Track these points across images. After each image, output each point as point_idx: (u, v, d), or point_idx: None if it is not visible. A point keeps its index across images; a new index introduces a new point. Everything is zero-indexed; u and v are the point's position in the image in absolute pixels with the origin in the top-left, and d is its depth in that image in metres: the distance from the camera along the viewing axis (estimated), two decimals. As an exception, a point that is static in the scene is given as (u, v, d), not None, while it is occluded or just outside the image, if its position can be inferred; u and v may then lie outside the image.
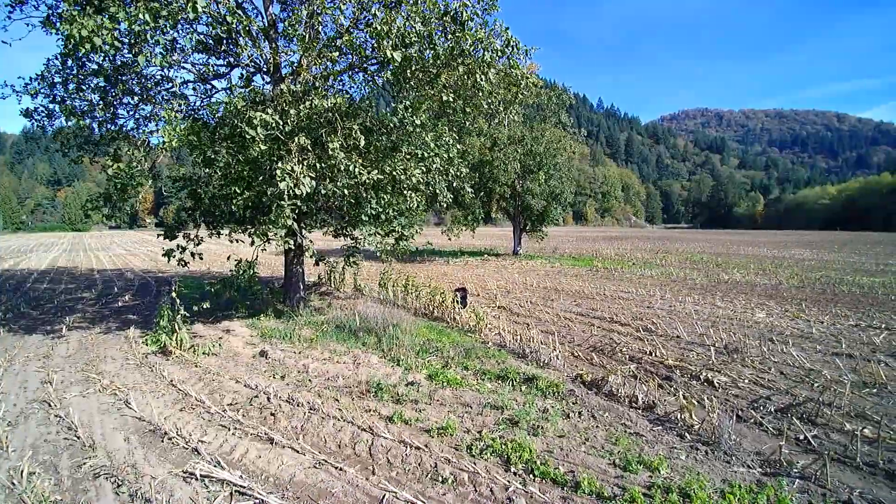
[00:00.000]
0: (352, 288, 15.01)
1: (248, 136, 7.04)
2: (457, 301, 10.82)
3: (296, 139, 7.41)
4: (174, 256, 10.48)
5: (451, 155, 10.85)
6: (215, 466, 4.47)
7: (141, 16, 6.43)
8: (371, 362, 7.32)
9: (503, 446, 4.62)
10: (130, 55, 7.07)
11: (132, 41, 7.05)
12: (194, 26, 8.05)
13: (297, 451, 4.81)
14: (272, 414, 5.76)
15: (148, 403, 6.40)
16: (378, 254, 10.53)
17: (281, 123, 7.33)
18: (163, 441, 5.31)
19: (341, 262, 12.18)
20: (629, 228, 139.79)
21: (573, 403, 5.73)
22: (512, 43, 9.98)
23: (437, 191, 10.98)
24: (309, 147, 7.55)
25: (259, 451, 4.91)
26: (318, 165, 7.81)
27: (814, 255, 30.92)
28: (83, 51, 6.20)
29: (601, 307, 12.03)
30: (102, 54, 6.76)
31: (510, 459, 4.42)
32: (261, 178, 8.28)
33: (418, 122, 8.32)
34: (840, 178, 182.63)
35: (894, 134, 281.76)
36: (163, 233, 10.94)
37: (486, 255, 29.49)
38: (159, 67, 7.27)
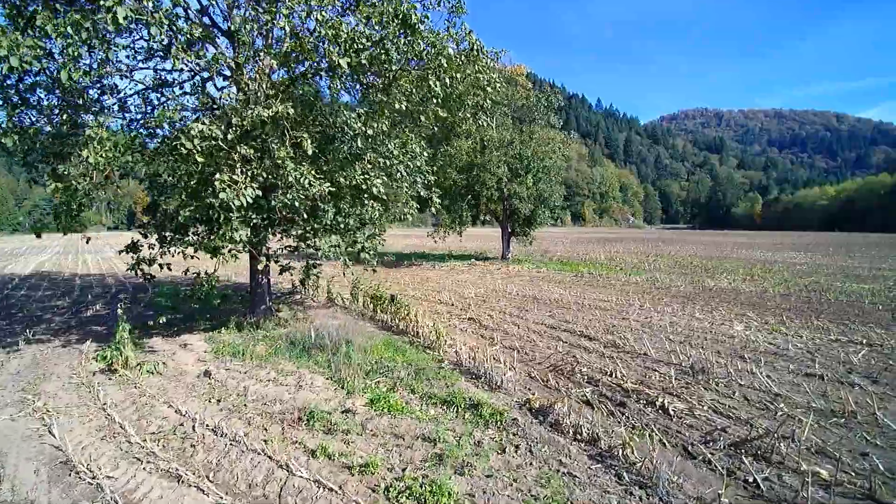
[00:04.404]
0: (325, 297, 14.63)
1: (185, 149, 6.68)
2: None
3: (238, 149, 7.03)
4: (140, 270, 10.14)
5: (417, 163, 10.48)
6: (107, 512, 4.10)
7: (63, 29, 6.11)
8: (314, 385, 6.94)
9: (422, 488, 4.24)
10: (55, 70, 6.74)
11: (66, 55, 6.73)
12: (133, 35, 7.71)
13: (203, 492, 4.44)
14: (192, 445, 5.39)
15: (72, 430, 6.05)
16: (342, 260, 10.15)
17: (221, 134, 6.95)
18: (70, 475, 4.97)
19: (311, 270, 11.74)
20: (626, 229, 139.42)
21: (513, 435, 5.34)
22: (476, 47, 9.62)
23: (403, 200, 10.62)
24: (251, 157, 7.17)
25: (164, 489, 4.54)
26: (263, 175, 7.44)
27: (807, 259, 30.53)
28: (4, 69, 5.92)
29: (575, 318, 11.65)
30: (24, 70, 6.45)
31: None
32: (209, 190, 7.91)
33: (370, 131, 7.94)
34: (839, 178, 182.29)
35: (893, 134, 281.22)
36: (124, 248, 10.55)
37: (473, 260, 29.12)
38: (89, 82, 6.94)
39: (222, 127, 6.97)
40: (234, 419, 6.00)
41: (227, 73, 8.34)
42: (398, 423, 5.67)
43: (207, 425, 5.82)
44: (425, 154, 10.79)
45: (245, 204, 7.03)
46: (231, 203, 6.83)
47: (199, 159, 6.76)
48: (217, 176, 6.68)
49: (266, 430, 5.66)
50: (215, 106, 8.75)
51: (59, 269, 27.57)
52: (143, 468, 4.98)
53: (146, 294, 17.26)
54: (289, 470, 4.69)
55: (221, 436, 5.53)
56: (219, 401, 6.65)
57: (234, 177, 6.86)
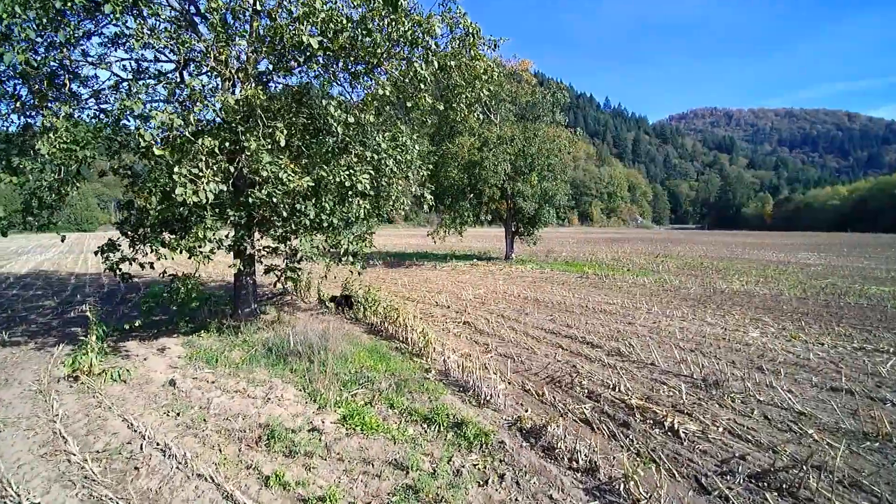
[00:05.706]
0: (316, 298, 14.02)
1: (142, 140, 6.07)
2: (343, 307, 11.65)
3: (201, 140, 6.40)
4: (119, 269, 9.59)
5: (409, 157, 9.81)
6: (8, 558, 3.48)
7: (10, 7, 5.56)
8: (284, 397, 6.30)
9: (385, 532, 3.58)
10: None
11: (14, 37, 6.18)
12: (100, 19, 7.14)
13: (133, 530, 3.82)
14: (136, 468, 4.77)
15: (13, 444, 5.49)
16: (324, 261, 9.49)
17: (183, 123, 6.32)
18: (-5, 502, 4.38)
19: (288, 272, 11.11)
20: (634, 229, 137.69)
21: (499, 462, 4.66)
22: (472, 31, 8.95)
23: (394, 197, 9.95)
24: (217, 148, 6.54)
25: (90, 524, 3.93)
26: (232, 170, 6.81)
27: (821, 260, 29.45)
28: None
29: (577, 323, 10.91)
30: None
31: (389, 553, 3.39)
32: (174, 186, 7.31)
33: (352, 119, 7.28)
34: (851, 177, 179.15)
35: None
36: (99, 249, 9.99)
37: (476, 260, 28.38)
38: (46, 66, 6.37)
39: (185, 115, 6.35)
40: (188, 437, 5.38)
41: (199, 59, 7.72)
42: (370, 445, 5.01)
43: (158, 444, 5.20)
44: (417, 148, 10.11)
45: (205, 200, 6.39)
46: (188, 199, 6.20)
47: (157, 152, 6.15)
48: (176, 169, 6.05)
49: (221, 450, 5.02)
50: (192, 95, 8.17)
51: (56, 269, 27.24)
52: (76, 494, 4.38)
53: (136, 294, 16.78)
54: (234, 502, 4.05)
55: (170, 457, 4.90)
56: (178, 414, 6.03)
57: (195, 170, 6.22)
